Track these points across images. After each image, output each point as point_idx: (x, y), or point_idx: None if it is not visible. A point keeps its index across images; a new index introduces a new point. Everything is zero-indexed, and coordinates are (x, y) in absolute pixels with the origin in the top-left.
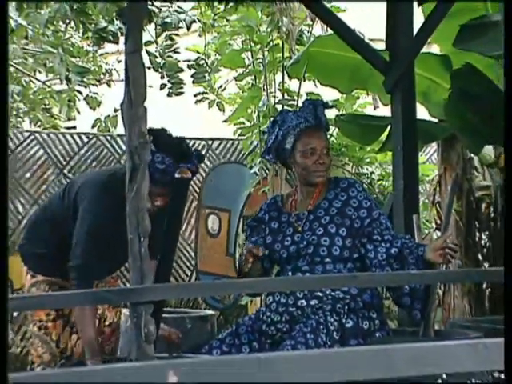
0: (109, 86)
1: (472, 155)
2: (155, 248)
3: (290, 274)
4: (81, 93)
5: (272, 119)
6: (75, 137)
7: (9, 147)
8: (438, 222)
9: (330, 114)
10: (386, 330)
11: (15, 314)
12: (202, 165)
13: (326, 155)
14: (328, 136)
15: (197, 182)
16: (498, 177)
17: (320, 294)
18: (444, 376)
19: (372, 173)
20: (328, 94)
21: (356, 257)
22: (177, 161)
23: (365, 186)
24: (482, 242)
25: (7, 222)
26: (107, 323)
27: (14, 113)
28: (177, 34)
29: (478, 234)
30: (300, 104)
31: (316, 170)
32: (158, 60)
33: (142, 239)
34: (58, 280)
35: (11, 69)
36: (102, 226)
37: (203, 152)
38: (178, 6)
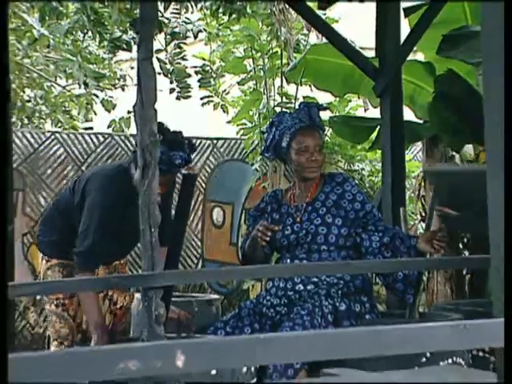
0: (123, 90)
1: (454, 153)
2: (161, 236)
3: (288, 261)
4: (97, 96)
5: (270, 120)
6: (92, 136)
7: (32, 146)
8: (423, 214)
9: (325, 115)
10: (375, 312)
11: (38, 297)
12: (208, 162)
13: (319, 153)
14: (323, 135)
15: (203, 177)
16: None
17: (316, 279)
18: (428, 354)
19: (362, 169)
20: (323, 97)
21: (349, 245)
22: (170, 148)
23: (356, 181)
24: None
25: (8, 219)
26: (118, 306)
27: (37, 115)
28: (185, 43)
29: None
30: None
31: (309, 166)
32: (168, 66)
33: (152, 230)
34: (70, 262)
35: (34, 75)
36: (108, 214)
37: (208, 150)
38: (186, 18)
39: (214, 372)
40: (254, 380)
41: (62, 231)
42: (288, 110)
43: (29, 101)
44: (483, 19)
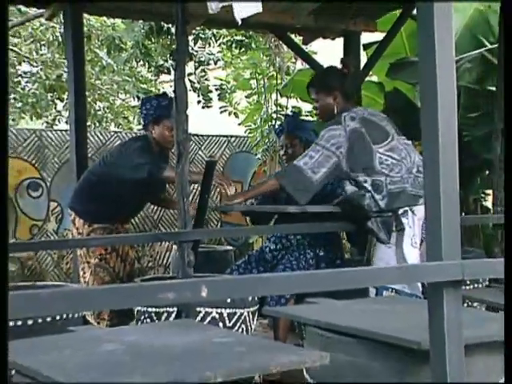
0: None
1: None
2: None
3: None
4: None
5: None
6: None
7: (102, 142)
8: None
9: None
10: (343, 259)
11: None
12: (224, 153)
13: (290, 148)
14: (299, 136)
15: (221, 163)
16: None
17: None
18: (377, 288)
19: None
20: (306, 106)
21: None
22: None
23: None
24: None
25: (7, 215)
26: (129, 259)
27: (105, 120)
28: (208, 68)
29: None
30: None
31: (284, 158)
32: (196, 85)
33: (185, 200)
34: (109, 225)
35: (103, 92)
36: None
37: (225, 145)
38: (209, 50)
39: (228, 300)
40: (257, 306)
41: (98, 200)
42: (282, 116)
43: (99, 110)
44: (419, 52)
